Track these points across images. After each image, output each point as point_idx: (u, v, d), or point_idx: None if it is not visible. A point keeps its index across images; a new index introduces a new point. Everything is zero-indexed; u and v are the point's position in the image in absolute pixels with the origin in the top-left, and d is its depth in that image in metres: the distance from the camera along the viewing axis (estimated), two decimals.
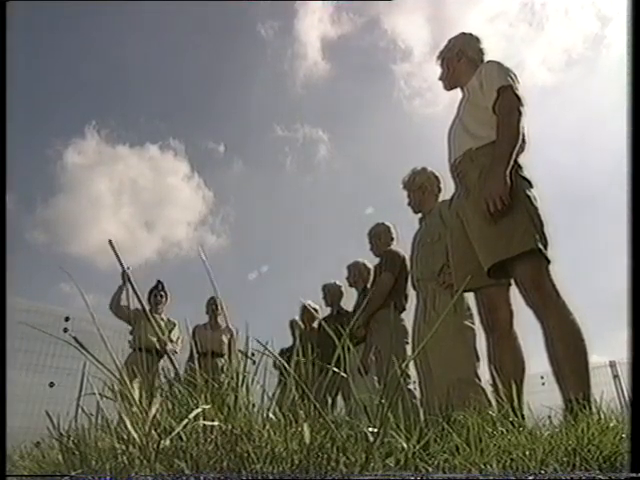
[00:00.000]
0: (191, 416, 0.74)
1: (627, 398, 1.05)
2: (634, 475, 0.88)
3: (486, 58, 2.20)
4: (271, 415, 0.86)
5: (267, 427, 0.80)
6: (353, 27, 13.80)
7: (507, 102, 1.87)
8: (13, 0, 1.53)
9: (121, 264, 4.14)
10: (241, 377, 0.86)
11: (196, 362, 1.19)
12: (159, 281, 4.64)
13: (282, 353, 4.90)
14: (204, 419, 0.77)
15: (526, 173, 1.92)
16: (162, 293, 4.62)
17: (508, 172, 1.77)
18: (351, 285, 4.08)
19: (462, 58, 2.20)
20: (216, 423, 0.76)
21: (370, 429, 0.81)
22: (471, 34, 2.25)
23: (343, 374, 1.05)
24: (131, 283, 4.17)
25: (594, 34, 14.30)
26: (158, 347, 4.13)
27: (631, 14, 1.24)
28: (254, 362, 1.08)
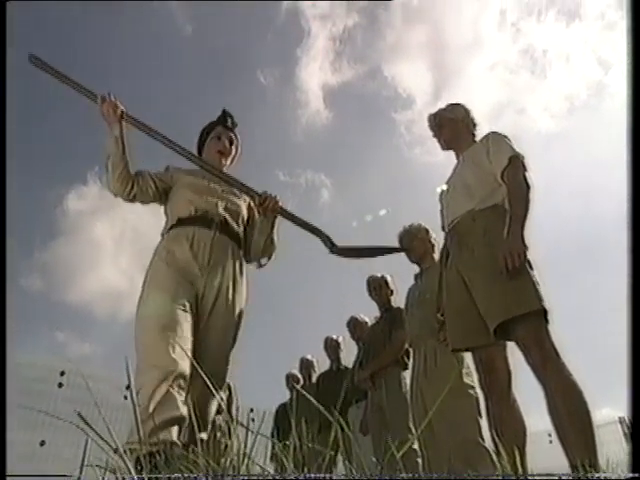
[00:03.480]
0: None
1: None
2: (634, 475, 0.87)
3: (478, 129, 2.37)
4: None
5: None
6: (354, 75, 14.37)
7: (519, 171, 2.02)
8: (13, 0, 1.60)
9: (87, 94, 2.21)
10: (242, 458, 0.86)
11: (197, 434, 1.17)
12: (225, 111, 2.39)
13: (280, 410, 4.77)
14: None
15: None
16: (232, 135, 2.39)
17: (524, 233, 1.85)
18: (354, 339, 4.05)
19: (461, 123, 2.33)
20: None
21: None
22: (466, 106, 2.39)
23: (341, 442, 1.04)
24: (133, 118, 2.19)
25: (597, 81, 14.78)
26: (225, 219, 2.11)
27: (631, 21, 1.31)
28: (252, 431, 1.07)
